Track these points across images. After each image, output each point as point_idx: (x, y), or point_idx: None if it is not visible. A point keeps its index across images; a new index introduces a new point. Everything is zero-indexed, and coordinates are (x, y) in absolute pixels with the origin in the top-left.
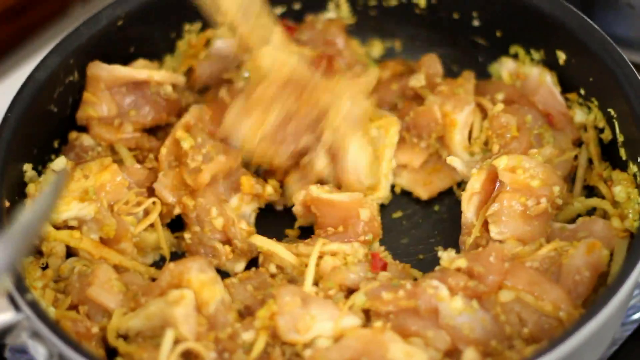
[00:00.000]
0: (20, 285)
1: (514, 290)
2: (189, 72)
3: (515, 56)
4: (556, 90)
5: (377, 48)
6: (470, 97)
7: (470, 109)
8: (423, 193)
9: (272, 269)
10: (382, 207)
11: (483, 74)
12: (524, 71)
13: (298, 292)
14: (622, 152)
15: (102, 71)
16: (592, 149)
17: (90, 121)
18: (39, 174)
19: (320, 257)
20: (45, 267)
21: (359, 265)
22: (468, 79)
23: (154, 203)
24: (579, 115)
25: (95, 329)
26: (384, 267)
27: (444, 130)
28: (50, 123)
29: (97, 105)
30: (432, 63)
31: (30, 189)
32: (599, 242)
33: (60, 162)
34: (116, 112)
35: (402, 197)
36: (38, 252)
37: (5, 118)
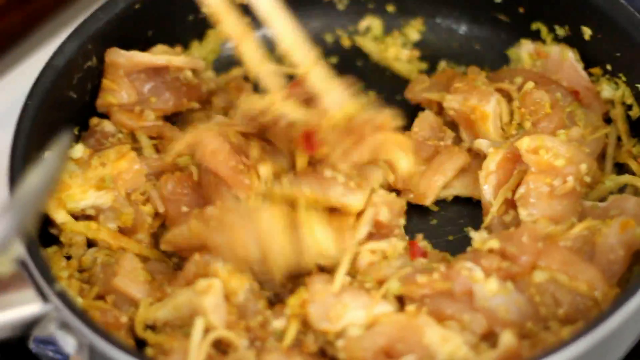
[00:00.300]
0: (48, 276)
1: (547, 271)
2: None
3: (537, 33)
4: (579, 66)
5: (413, 29)
6: (489, 87)
7: (495, 98)
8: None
9: None
10: None
11: (504, 58)
12: (545, 49)
13: (330, 280)
14: None
15: (120, 58)
16: (620, 125)
17: (111, 108)
18: None
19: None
20: (69, 257)
21: (400, 259)
22: (477, 73)
23: None
24: (607, 91)
25: (124, 319)
26: (424, 255)
27: (477, 125)
28: (69, 110)
29: (117, 92)
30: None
31: None
32: (632, 220)
33: (78, 150)
34: (136, 98)
35: None
36: (59, 242)
37: (25, 106)
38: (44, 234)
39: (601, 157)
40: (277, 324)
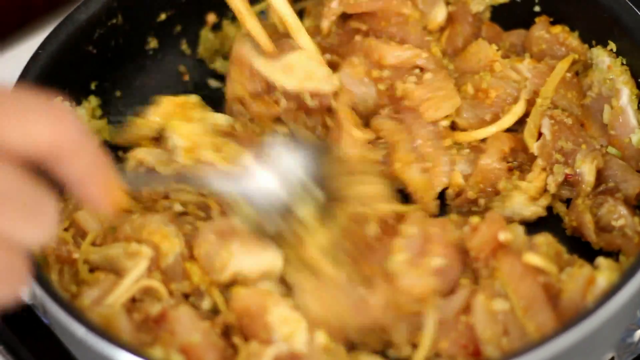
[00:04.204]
0: None
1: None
2: None
3: None
4: None
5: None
6: None
7: None
8: None
9: None
10: None
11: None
12: None
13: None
14: None
15: None
16: None
17: None
18: None
19: None
20: None
21: None
22: None
23: None
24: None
25: (76, 255)
26: None
27: None
28: (87, 64)
29: None
30: None
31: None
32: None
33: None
34: None
35: None
36: None
37: (35, 54)
38: None
39: None
40: (205, 304)
